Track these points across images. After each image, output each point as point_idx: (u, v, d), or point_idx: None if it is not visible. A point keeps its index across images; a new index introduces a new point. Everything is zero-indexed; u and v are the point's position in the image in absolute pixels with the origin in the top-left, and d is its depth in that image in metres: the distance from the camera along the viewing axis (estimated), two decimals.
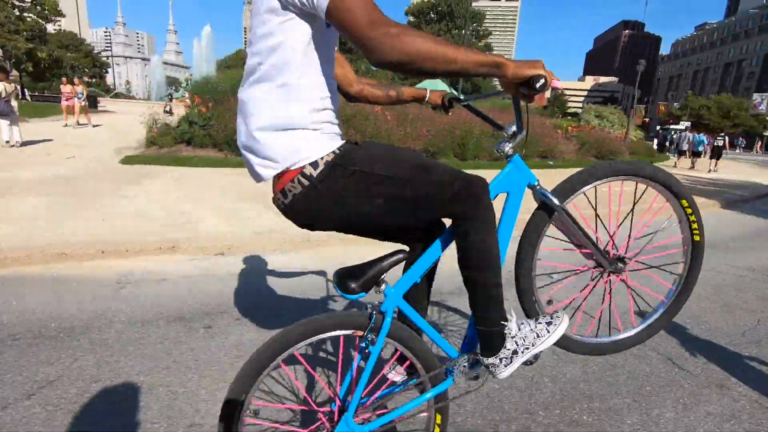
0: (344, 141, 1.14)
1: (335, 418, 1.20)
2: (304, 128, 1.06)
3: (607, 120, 25.52)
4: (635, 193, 1.42)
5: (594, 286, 1.43)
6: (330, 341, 1.34)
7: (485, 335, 1.22)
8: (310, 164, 1.06)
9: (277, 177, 1.10)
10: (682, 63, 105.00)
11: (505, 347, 1.21)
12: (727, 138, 28.85)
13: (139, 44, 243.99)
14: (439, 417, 1.30)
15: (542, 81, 0.98)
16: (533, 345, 1.21)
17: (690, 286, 1.48)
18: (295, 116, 1.05)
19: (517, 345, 1.21)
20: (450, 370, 1.29)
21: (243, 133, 1.11)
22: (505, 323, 1.21)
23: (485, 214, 1.13)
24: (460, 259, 1.18)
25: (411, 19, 37.16)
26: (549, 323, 1.23)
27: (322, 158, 1.07)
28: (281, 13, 0.98)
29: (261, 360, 1.11)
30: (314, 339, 1.14)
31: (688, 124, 38.32)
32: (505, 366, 1.21)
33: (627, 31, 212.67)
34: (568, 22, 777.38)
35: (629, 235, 1.46)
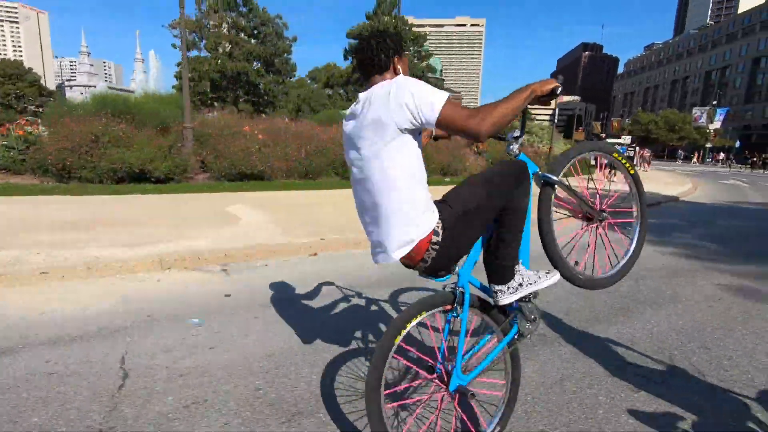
0: (434, 205, 1.51)
1: (450, 371, 1.58)
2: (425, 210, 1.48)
3: (536, 135, 26.12)
4: (597, 163, 2.38)
5: (594, 237, 1.93)
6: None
7: (500, 267, 1.60)
8: (433, 232, 1.46)
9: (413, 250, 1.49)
10: (634, 81, 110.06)
11: (513, 279, 1.61)
12: (643, 150, 30.57)
13: (106, 74, 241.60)
14: (510, 359, 1.73)
15: (560, 88, 1.47)
16: (534, 283, 1.62)
17: (645, 218, 2.05)
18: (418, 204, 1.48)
19: (523, 280, 1.62)
20: (513, 321, 1.70)
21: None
22: (518, 262, 1.63)
23: (526, 188, 1.58)
24: (503, 209, 1.55)
25: (352, 42, 37.73)
26: (547, 273, 1.65)
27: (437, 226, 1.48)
28: (395, 133, 1.37)
29: (392, 332, 1.48)
30: (423, 316, 1.52)
31: (628, 138, 39.50)
32: (510, 294, 1.61)
33: (587, 53, 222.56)
34: (531, 44, 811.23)
35: (599, 192, 1.98)
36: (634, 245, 2.04)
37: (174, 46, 23.29)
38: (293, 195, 8.62)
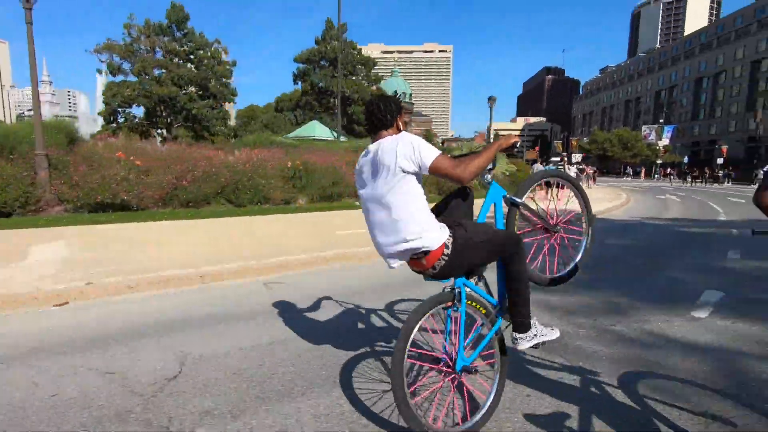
0: (448, 227, 1.96)
1: (454, 357, 2.03)
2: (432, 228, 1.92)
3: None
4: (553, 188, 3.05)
5: (547, 244, 2.49)
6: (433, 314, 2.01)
7: (521, 323, 2.09)
8: (444, 245, 1.91)
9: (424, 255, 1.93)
10: (591, 102, 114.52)
11: (530, 330, 2.10)
12: (587, 167, 31.44)
13: (71, 102, 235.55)
14: (498, 342, 2.19)
15: (518, 143, 2.13)
16: (545, 335, 2.13)
17: (592, 235, 2.61)
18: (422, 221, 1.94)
19: (537, 332, 2.12)
20: (498, 314, 2.18)
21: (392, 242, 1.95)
22: (531, 318, 2.12)
23: (521, 252, 2.04)
24: (508, 278, 2.07)
25: (301, 66, 37.66)
26: (551, 328, 2.19)
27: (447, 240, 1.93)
28: (400, 174, 1.84)
29: (410, 324, 1.89)
30: (432, 311, 1.97)
31: (579, 157, 40.37)
32: (528, 341, 2.09)
33: (550, 76, 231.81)
34: (498, 68, 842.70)
35: (556, 211, 2.52)
36: (581, 253, 2.56)
37: (99, 71, 22.30)
38: (132, 228, 7.64)
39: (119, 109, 25.33)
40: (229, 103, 31.34)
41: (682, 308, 4.02)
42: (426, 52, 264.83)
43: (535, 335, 2.09)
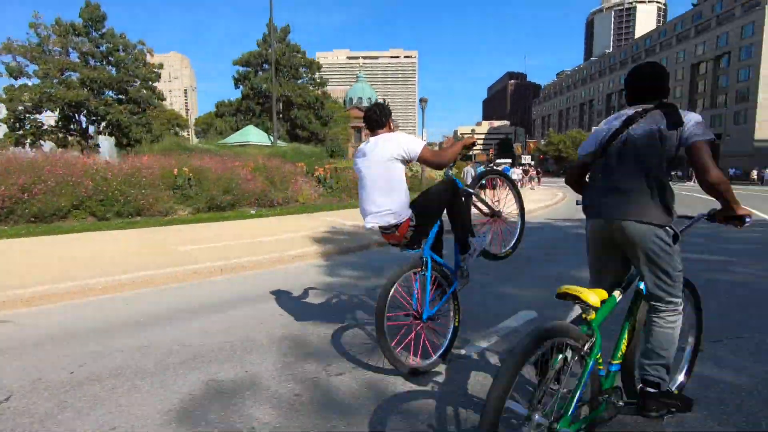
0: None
1: (420, 310, 2.68)
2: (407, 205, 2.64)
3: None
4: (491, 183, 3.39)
5: (493, 228, 3.15)
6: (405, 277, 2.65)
7: (462, 243, 2.78)
8: (410, 219, 2.63)
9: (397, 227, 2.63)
10: (549, 105, 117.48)
11: (470, 248, 2.77)
12: (531, 169, 31.71)
13: None
14: (454, 303, 2.82)
15: (475, 144, 3.16)
16: (480, 246, 2.80)
17: (523, 221, 3.29)
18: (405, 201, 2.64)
19: (475, 247, 2.78)
20: (454, 279, 2.80)
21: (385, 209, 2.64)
22: (468, 237, 2.78)
23: (457, 191, 2.76)
24: (453, 212, 2.77)
25: (241, 69, 36.28)
26: (482, 238, 2.85)
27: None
28: (394, 161, 2.58)
29: (387, 287, 2.53)
30: (403, 276, 2.62)
31: (528, 158, 40.72)
32: (470, 256, 2.78)
33: (512, 81, 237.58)
34: (463, 73, 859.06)
35: (499, 201, 3.22)
36: (516, 235, 3.26)
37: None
38: None
39: (28, 116, 23.20)
40: (155, 108, 29.48)
41: (478, 335, 3.28)
42: (392, 57, 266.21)
43: (475, 250, 2.79)
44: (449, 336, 2.80)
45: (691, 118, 1.77)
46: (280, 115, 36.33)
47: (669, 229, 1.81)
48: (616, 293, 1.89)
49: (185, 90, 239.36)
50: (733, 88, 59.25)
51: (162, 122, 67.36)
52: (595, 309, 1.60)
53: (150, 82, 27.25)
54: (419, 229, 2.64)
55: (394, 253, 4.92)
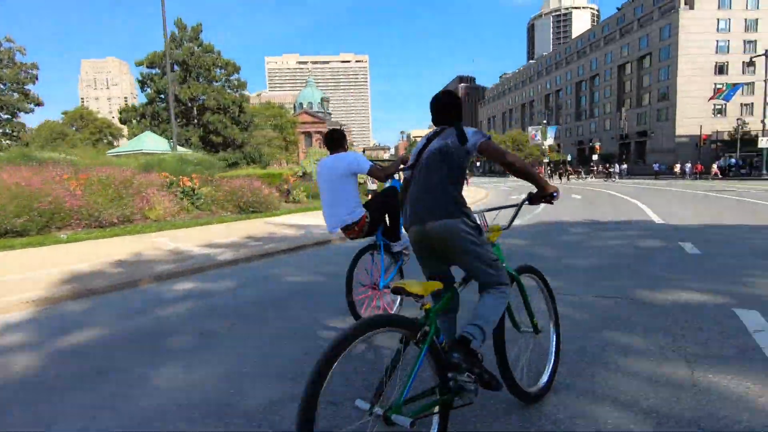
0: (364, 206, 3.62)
1: (377, 280, 3.56)
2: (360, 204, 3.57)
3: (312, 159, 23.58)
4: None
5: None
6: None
7: (394, 235, 3.73)
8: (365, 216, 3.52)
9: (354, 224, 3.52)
10: (493, 107, 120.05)
11: (399, 239, 3.78)
12: None
13: None
14: (399, 272, 3.78)
15: (400, 164, 3.61)
16: (404, 240, 3.82)
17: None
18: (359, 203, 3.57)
19: (403, 242, 3.87)
20: (401, 257, 3.77)
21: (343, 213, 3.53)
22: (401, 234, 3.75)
23: (392, 195, 3.61)
24: (388, 210, 3.67)
25: (145, 71, 33.36)
26: (405, 240, 3.74)
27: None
28: (349, 175, 3.47)
29: (356, 257, 3.55)
30: (365, 255, 3.61)
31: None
32: (398, 245, 3.78)
33: (462, 84, 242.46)
34: (416, 77, 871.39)
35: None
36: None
37: None
38: None
39: None
40: (28, 113, 26.17)
41: None
42: (343, 62, 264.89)
43: (402, 244, 3.66)
44: (398, 300, 3.84)
45: (470, 131, 2.16)
46: (195, 120, 33.73)
47: (470, 221, 2.05)
48: (456, 285, 2.17)
49: (125, 98, 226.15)
50: (655, 88, 62.18)
51: (92, 131, 62.42)
52: (421, 297, 1.71)
53: (22, 85, 24.06)
54: (373, 221, 3.52)
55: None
